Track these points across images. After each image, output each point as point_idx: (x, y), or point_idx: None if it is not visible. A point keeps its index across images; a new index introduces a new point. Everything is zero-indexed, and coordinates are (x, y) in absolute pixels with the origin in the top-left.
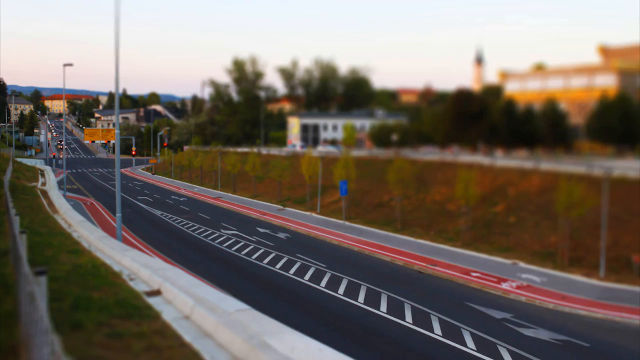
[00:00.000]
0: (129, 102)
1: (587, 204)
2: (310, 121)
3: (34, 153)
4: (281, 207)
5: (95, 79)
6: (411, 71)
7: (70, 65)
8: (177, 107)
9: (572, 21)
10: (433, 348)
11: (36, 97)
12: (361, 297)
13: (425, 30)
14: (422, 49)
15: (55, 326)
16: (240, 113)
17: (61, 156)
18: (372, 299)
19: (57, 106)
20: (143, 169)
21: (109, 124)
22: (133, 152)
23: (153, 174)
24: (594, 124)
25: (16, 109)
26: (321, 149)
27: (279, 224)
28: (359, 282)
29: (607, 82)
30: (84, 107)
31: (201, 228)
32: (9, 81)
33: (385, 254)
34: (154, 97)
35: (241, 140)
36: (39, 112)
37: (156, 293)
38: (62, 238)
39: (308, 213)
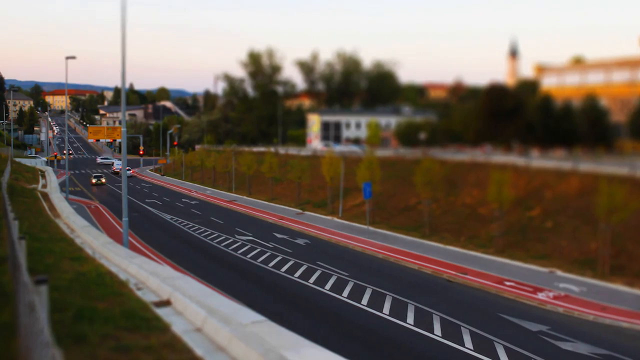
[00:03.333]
0: (137, 97)
1: (630, 207)
2: (331, 118)
3: (34, 153)
4: (300, 210)
5: (100, 73)
6: (440, 65)
7: (73, 58)
8: (188, 103)
9: (613, 11)
10: None
11: (36, 92)
12: (386, 308)
13: (455, 21)
14: (452, 41)
15: (57, 339)
16: (256, 109)
17: (65, 157)
18: (398, 310)
19: (59, 102)
20: (151, 170)
21: (114, 122)
22: (141, 152)
23: (162, 175)
24: (638, 121)
25: (15, 105)
26: (343, 148)
27: (297, 229)
28: (383, 291)
29: None
30: (87, 103)
31: (214, 233)
32: (7, 75)
33: (412, 261)
34: (163, 93)
35: (257, 138)
36: (39, 109)
37: (165, 303)
38: (64, 244)
39: (329, 217)
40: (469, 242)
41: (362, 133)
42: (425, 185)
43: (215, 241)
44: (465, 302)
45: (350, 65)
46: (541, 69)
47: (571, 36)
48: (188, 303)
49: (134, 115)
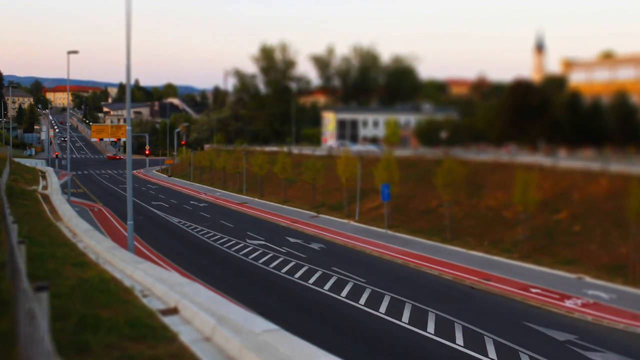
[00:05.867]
0: (142, 94)
1: None
2: (347, 116)
3: (34, 152)
4: (315, 213)
5: (103, 68)
6: (462, 60)
7: (76, 52)
8: (196, 100)
9: None
10: None
11: (37, 88)
12: (405, 316)
13: (478, 14)
14: (475, 35)
15: (59, 349)
16: (269, 107)
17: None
18: (418, 318)
19: (61, 99)
20: (158, 171)
21: (119, 120)
22: (147, 152)
23: (169, 176)
24: None
25: (14, 102)
26: (360, 147)
27: (312, 233)
28: (402, 299)
29: None
30: (90, 100)
31: (224, 237)
32: (6, 71)
33: (433, 267)
34: (170, 89)
35: (269, 137)
36: (39, 106)
37: (173, 311)
38: (66, 249)
39: (345, 221)
40: (492, 246)
41: (380, 132)
42: (447, 187)
43: (225, 246)
44: (489, 310)
45: (368, 60)
46: (569, 64)
47: (600, 29)
48: (196, 311)
49: (139, 113)
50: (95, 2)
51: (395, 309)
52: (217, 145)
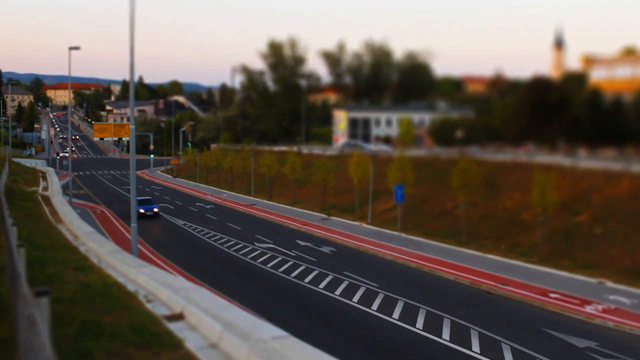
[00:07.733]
0: (146, 92)
1: None
2: (359, 115)
3: (34, 152)
4: (325, 216)
5: (106, 65)
6: (479, 56)
7: (77, 48)
8: (202, 98)
9: None
10: None
11: (37, 86)
12: (419, 322)
13: (495, 9)
14: (492, 30)
15: (60, 356)
16: (278, 105)
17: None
18: (433, 325)
19: (62, 97)
20: (163, 171)
21: (122, 118)
22: (150, 147)
23: (174, 177)
24: None
25: (13, 100)
26: (373, 147)
27: (322, 236)
28: (416, 304)
29: None
30: (93, 98)
31: (231, 241)
32: (5, 67)
33: (448, 271)
34: (175, 87)
35: (278, 137)
36: (40, 104)
37: (178, 317)
38: (68, 252)
39: (357, 223)
40: (510, 250)
41: (393, 131)
42: (462, 188)
43: (232, 249)
44: (506, 316)
45: (380, 56)
46: (589, 61)
47: (622, 24)
48: (202, 316)
49: (143, 111)
50: None
51: (409, 315)
52: (224, 144)
